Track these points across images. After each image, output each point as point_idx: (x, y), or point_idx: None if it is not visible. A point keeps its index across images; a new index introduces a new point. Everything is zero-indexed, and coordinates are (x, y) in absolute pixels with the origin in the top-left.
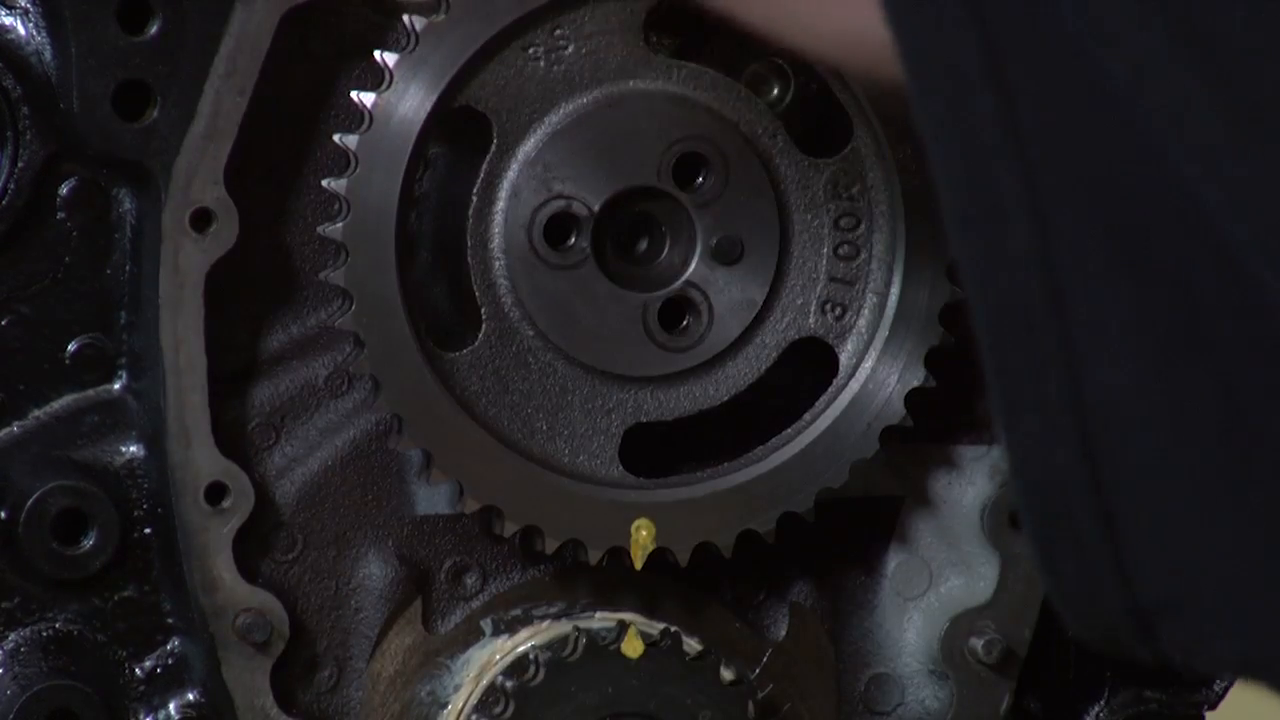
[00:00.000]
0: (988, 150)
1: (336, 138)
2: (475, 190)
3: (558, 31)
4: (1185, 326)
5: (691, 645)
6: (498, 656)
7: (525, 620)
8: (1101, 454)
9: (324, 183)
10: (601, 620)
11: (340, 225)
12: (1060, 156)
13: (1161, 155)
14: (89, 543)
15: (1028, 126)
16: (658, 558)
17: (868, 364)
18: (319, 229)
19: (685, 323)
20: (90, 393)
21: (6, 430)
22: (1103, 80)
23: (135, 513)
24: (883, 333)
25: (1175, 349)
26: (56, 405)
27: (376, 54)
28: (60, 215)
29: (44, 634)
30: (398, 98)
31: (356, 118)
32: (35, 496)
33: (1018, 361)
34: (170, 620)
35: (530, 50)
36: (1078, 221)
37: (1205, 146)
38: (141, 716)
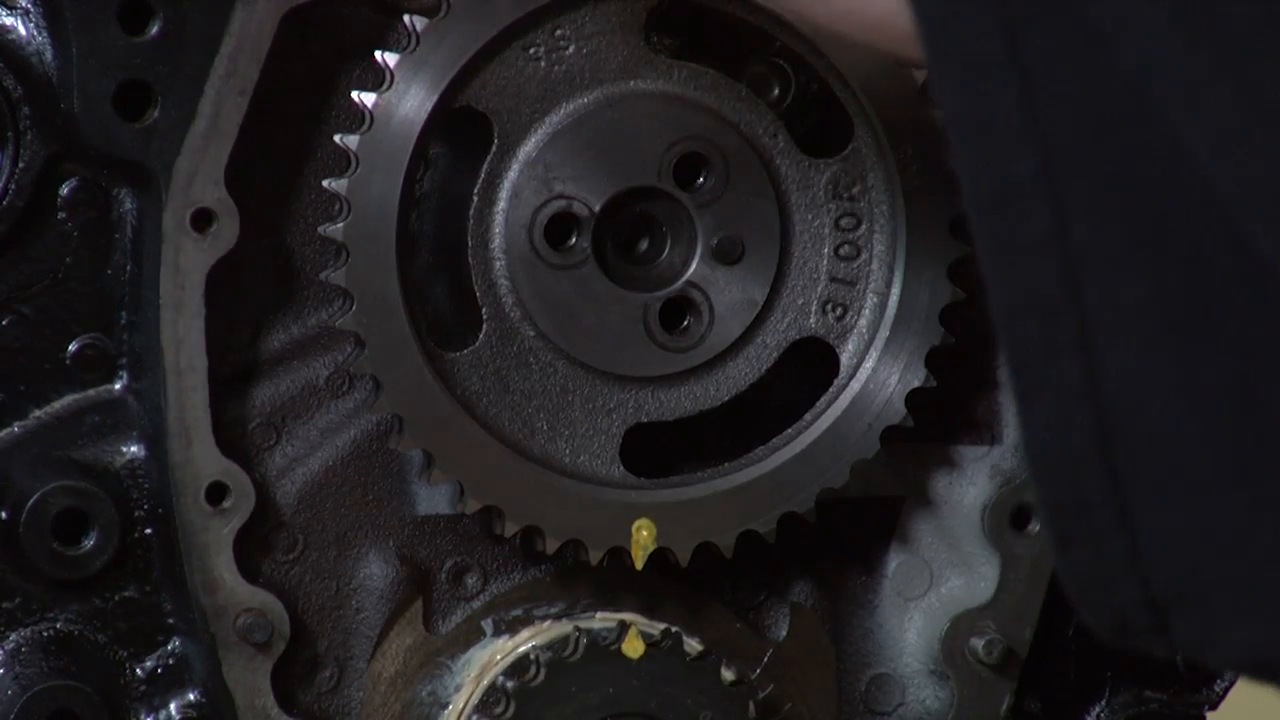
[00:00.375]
0: (1007, 136)
1: (337, 138)
2: (476, 190)
3: (558, 31)
4: (1200, 312)
5: (692, 645)
6: (498, 657)
7: (526, 620)
8: (1117, 440)
9: (325, 183)
10: (602, 620)
11: (341, 225)
12: (1078, 143)
13: (1176, 141)
14: (89, 543)
15: (1047, 113)
16: (658, 558)
17: (868, 364)
18: (320, 229)
19: (686, 323)
20: (91, 393)
21: (7, 430)
22: (1119, 67)
23: (136, 513)
24: (883, 333)
25: (1190, 335)
26: (57, 405)
27: (377, 54)
28: (61, 215)
29: (45, 634)
30: (398, 98)
31: (357, 118)
32: (36, 497)
33: (1034, 346)
34: (171, 620)
35: (531, 50)
36: (1094, 207)
37: (1218, 132)
38: (142, 717)
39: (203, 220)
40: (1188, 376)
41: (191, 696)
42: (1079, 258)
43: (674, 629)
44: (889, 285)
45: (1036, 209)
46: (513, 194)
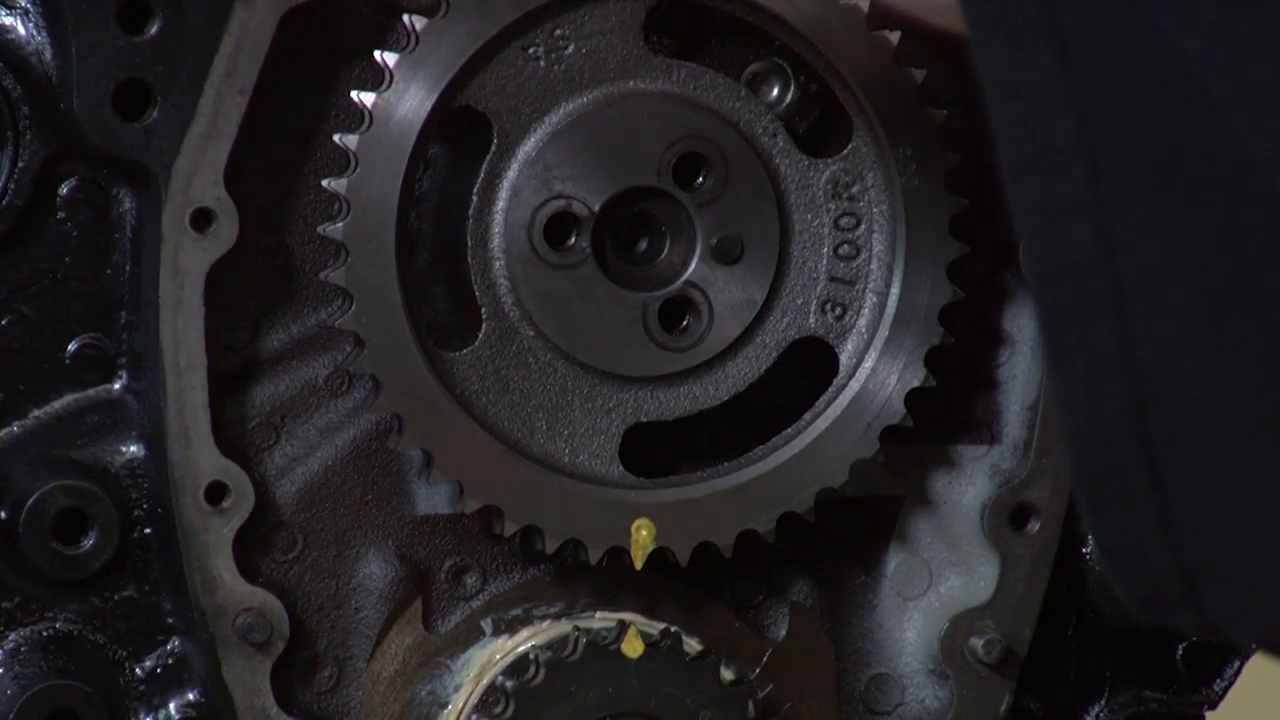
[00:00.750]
0: (1044, 99)
1: (336, 138)
2: (475, 190)
3: (558, 31)
4: (1235, 278)
5: (691, 645)
6: (498, 656)
7: (525, 620)
8: (1150, 405)
9: (324, 183)
10: (602, 620)
11: (340, 225)
12: (1114, 106)
13: (1212, 107)
14: (89, 543)
15: (1083, 77)
16: (658, 558)
17: (868, 364)
18: (319, 229)
19: (685, 322)
20: (90, 393)
21: (6, 430)
22: (1156, 33)
23: (135, 513)
24: (883, 332)
25: (1223, 301)
26: (56, 405)
27: (376, 54)
28: (60, 215)
29: (44, 634)
30: (398, 97)
31: (357, 117)
32: (35, 496)
33: (1068, 311)
34: (170, 620)
35: (530, 50)
36: (1130, 171)
37: (1256, 97)
38: (141, 716)
39: (202, 220)
40: (1222, 342)
41: (191, 696)
42: (1114, 222)
43: (673, 629)
44: (888, 285)
45: (1072, 173)
46: (512, 193)
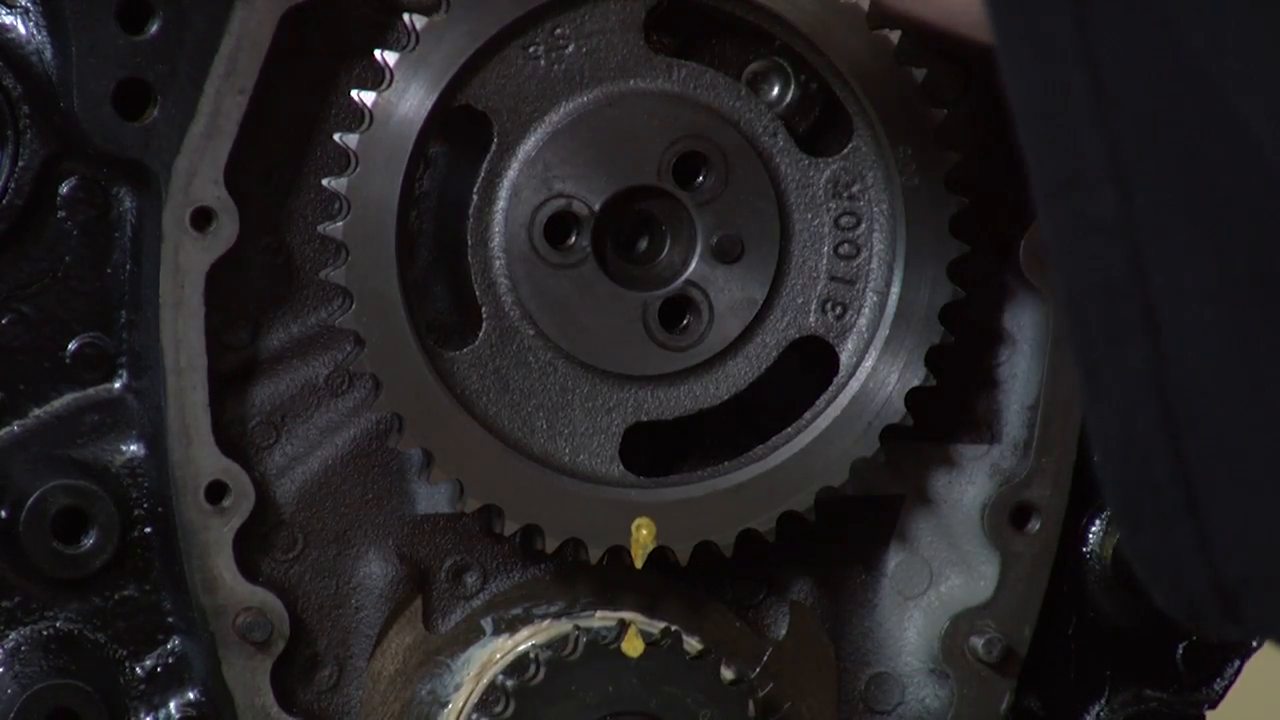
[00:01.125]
0: (1075, 121)
1: (337, 137)
2: (476, 189)
3: (558, 30)
4: (1265, 296)
5: (692, 644)
6: (498, 655)
7: (526, 619)
8: (1183, 425)
9: (324, 182)
10: (602, 619)
11: (341, 224)
12: (1145, 127)
13: (1243, 127)
14: (89, 542)
15: (1114, 98)
16: (658, 557)
17: (868, 363)
18: (319, 228)
19: (686, 322)
20: (90, 392)
21: (7, 429)
22: (1186, 54)
23: (135, 512)
24: (883, 332)
25: (1255, 319)
26: (57, 404)
27: (377, 53)
28: (60, 214)
29: (44, 633)
30: (398, 96)
31: (357, 117)
32: (36, 495)
33: (1099, 329)
34: (170, 619)
35: (530, 49)
36: (1161, 191)
37: None
38: (142, 716)
39: (202, 219)
40: (1254, 362)
41: (191, 695)
42: (1145, 241)
43: (673, 628)
44: (888, 284)
45: (1104, 192)
46: (512, 193)
